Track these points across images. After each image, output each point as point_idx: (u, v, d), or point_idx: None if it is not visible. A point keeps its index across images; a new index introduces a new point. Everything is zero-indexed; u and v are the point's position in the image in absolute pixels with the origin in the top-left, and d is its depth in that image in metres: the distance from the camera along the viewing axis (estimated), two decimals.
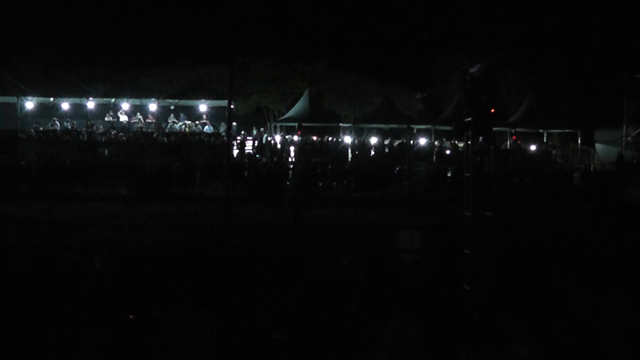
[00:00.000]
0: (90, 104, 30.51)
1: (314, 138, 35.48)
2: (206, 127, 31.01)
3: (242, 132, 32.55)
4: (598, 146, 34.82)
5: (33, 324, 7.19)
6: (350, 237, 15.58)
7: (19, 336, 7.00)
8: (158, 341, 6.61)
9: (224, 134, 27.70)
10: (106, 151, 28.01)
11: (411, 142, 30.63)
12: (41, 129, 29.72)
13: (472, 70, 8.43)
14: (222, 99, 28.73)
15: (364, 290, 7.68)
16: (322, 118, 33.16)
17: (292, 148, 31.78)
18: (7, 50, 34.32)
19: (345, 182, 24.97)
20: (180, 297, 7.56)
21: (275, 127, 35.74)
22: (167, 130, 30.71)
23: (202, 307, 7.23)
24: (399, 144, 33.57)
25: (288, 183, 20.27)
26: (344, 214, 20.05)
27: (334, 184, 25.16)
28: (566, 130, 33.38)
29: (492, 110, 8.31)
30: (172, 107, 31.35)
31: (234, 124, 31.90)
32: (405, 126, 31.55)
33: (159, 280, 8.50)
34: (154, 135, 30.15)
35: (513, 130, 31.25)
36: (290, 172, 24.33)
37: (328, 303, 7.36)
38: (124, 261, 9.39)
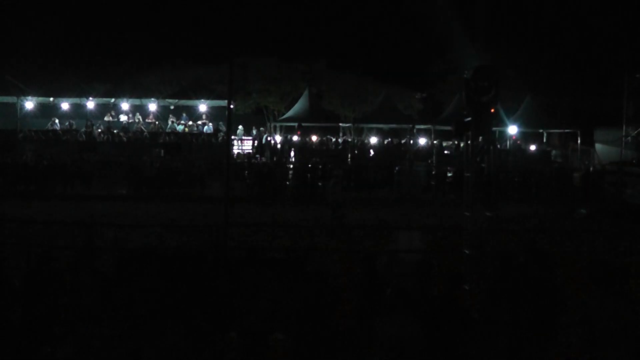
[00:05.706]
0: (90, 104, 30.53)
1: (314, 138, 35.49)
2: (206, 127, 31.03)
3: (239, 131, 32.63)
4: (598, 146, 34.77)
5: (32, 323, 7.20)
6: (350, 236, 15.57)
7: (18, 335, 7.01)
8: (155, 342, 6.62)
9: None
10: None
11: (411, 141, 30.60)
12: (35, 128, 29.70)
13: (472, 69, 8.43)
14: (222, 99, 28.75)
15: (363, 290, 7.67)
16: (321, 118, 33.17)
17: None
18: (7, 50, 34.34)
19: (345, 182, 24.92)
20: (176, 297, 7.56)
21: (275, 127, 35.74)
22: (167, 130, 30.72)
23: (199, 307, 7.23)
24: (397, 144, 33.54)
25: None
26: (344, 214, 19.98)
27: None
28: (566, 130, 33.38)
29: (492, 110, 8.31)
30: (172, 107, 31.37)
31: (240, 127, 32.02)
32: (405, 126, 31.53)
33: (157, 280, 8.49)
34: (148, 135, 30.14)
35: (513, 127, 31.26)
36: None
37: (327, 303, 7.36)
38: (123, 261, 9.38)
